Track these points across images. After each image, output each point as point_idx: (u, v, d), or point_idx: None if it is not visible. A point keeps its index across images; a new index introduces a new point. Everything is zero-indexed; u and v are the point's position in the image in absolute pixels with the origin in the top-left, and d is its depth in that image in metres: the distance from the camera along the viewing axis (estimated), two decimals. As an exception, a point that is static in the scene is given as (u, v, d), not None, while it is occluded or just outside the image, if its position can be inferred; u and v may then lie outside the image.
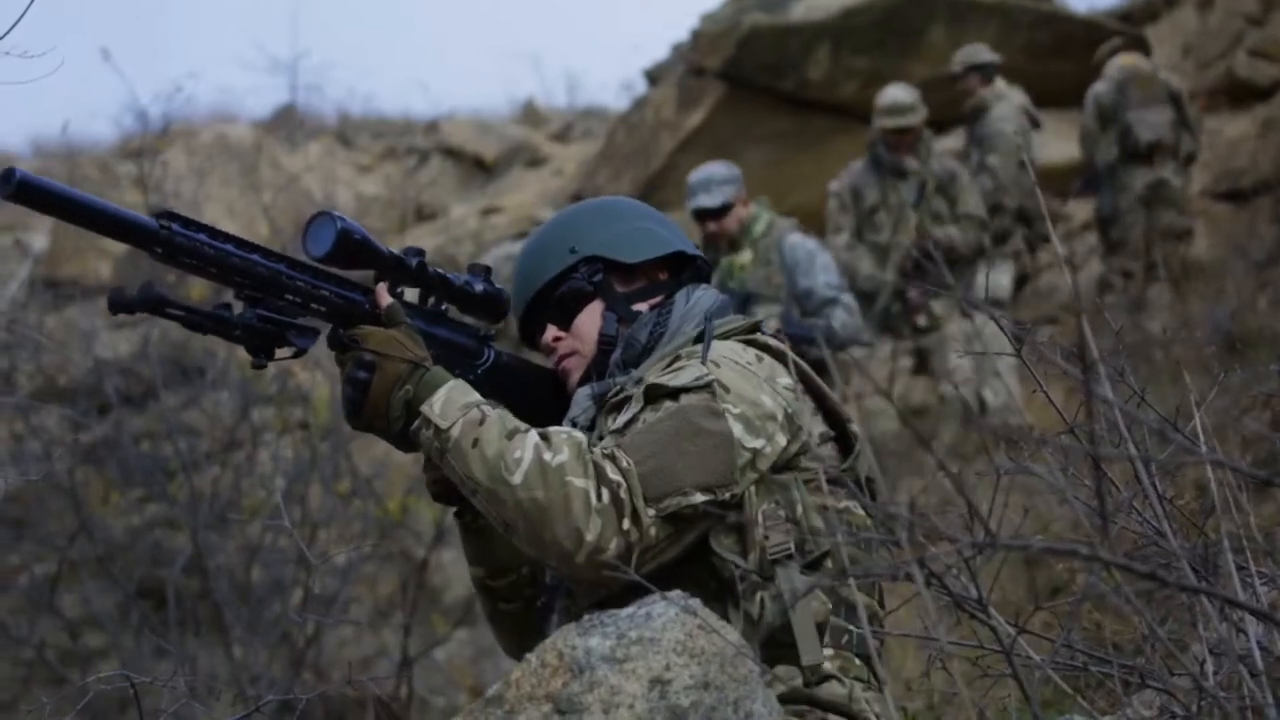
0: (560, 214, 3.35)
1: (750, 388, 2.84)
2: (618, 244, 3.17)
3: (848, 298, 8.02)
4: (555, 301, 3.17)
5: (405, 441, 2.87)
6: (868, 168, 9.49)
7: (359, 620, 9.42)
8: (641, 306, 3.16)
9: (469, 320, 3.20)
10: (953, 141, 13.10)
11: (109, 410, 9.67)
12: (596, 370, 3.12)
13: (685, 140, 14.10)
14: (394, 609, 9.82)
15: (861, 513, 2.90)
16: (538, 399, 3.18)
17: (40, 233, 14.64)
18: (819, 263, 7.93)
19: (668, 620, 2.18)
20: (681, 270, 3.24)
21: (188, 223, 2.71)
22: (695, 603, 2.22)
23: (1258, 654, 2.21)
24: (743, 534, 2.78)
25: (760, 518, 2.77)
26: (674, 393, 2.79)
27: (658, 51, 23.56)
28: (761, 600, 2.75)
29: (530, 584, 3.16)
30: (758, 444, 2.79)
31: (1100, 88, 11.01)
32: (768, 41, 13.74)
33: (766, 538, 2.77)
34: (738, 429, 2.77)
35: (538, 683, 2.15)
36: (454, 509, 3.12)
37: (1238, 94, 13.46)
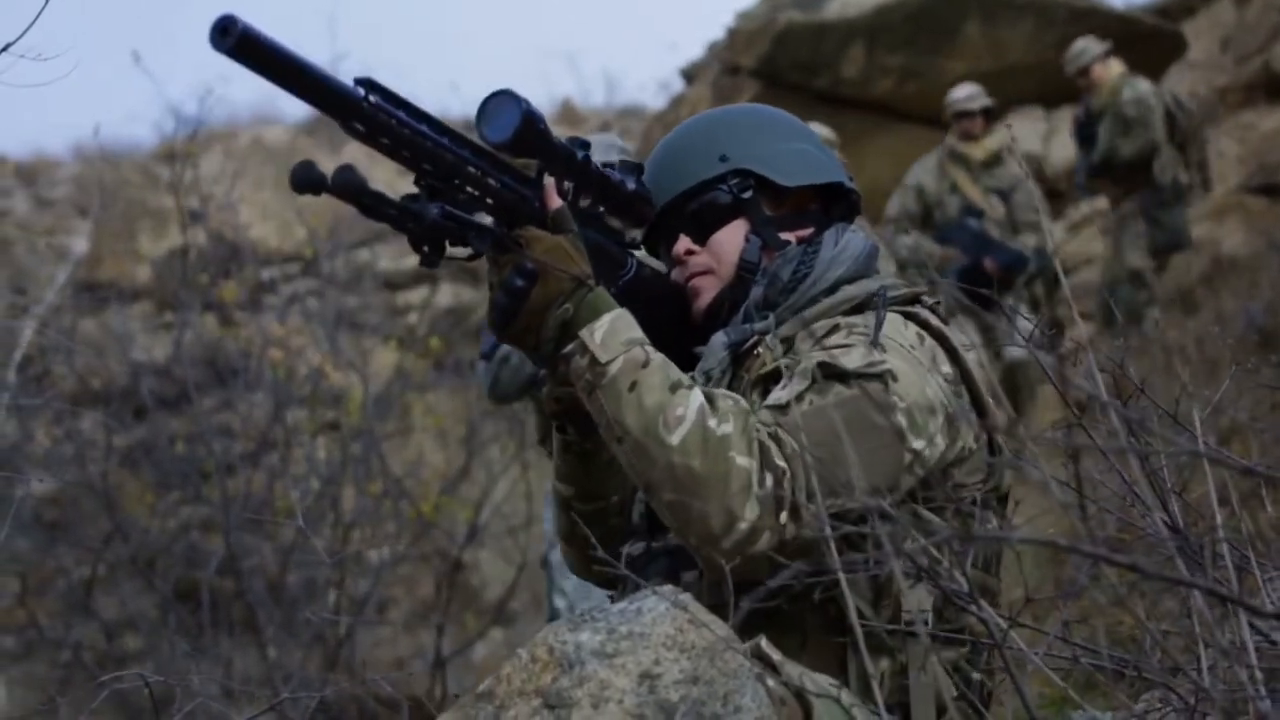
0: (712, 114, 3.03)
1: (916, 377, 2.55)
2: (775, 162, 2.85)
3: None
4: (694, 210, 2.86)
5: (549, 363, 2.61)
6: None
7: (389, 622, 9.44)
8: (788, 236, 2.84)
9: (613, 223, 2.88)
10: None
11: (145, 413, 9.73)
12: (731, 299, 2.82)
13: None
14: (432, 610, 9.83)
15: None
16: (666, 318, 2.83)
17: (79, 236, 14.72)
18: None
19: (658, 615, 2.17)
20: (831, 203, 2.92)
21: (388, 95, 2.43)
22: (686, 597, 2.20)
23: (1250, 646, 2.20)
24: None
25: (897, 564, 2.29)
26: (846, 376, 2.50)
27: (695, 50, 23.54)
28: (883, 672, 2.51)
29: (618, 513, 2.87)
30: (919, 444, 2.52)
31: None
32: (802, 39, 13.73)
33: (901, 590, 2.47)
34: (902, 424, 2.50)
35: (528, 678, 2.14)
36: (557, 425, 2.82)
37: (1275, 88, 13.37)
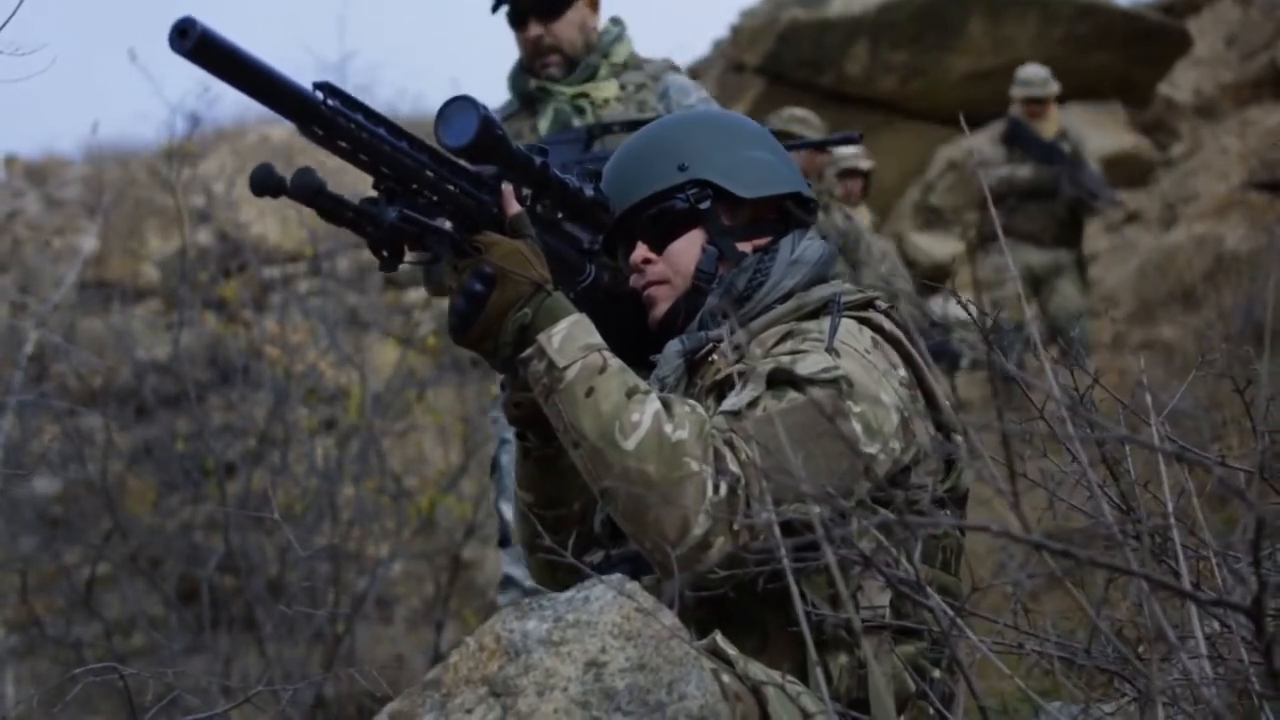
0: (671, 121, 3.05)
1: (871, 382, 2.56)
2: (734, 172, 2.86)
3: None
4: (652, 218, 2.87)
5: (509, 367, 2.62)
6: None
7: (387, 619, 9.44)
8: (745, 246, 2.86)
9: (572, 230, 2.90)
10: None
11: (146, 413, 9.75)
12: (686, 308, 2.83)
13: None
14: (437, 608, 9.84)
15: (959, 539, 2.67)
16: (626, 324, 2.85)
17: (89, 235, 14.75)
18: None
19: (605, 604, 2.18)
20: (789, 211, 2.92)
21: (346, 99, 2.45)
22: (633, 586, 2.21)
23: (1200, 635, 2.20)
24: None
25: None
26: (799, 383, 2.50)
27: (702, 49, 23.52)
28: (841, 667, 2.52)
29: (579, 521, 2.87)
30: (874, 449, 2.51)
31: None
32: (806, 36, 13.74)
33: (860, 589, 2.51)
34: (857, 429, 2.50)
35: (475, 666, 2.15)
36: (518, 432, 2.83)
37: (1279, 85, 13.37)
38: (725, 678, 2.25)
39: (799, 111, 8.36)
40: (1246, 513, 1.69)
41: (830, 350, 2.57)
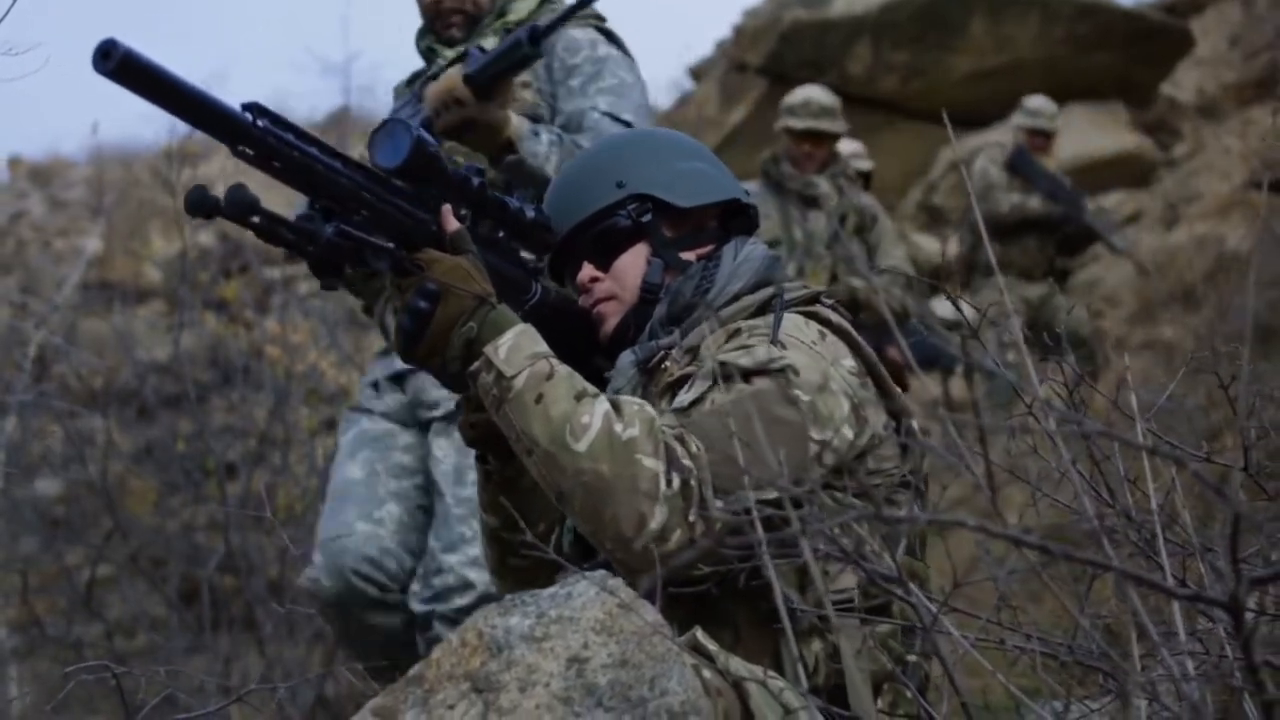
0: (608, 141, 3.14)
1: (817, 370, 2.60)
2: (671, 184, 2.91)
3: None
4: (595, 237, 2.91)
5: (459, 382, 2.64)
6: (764, 191, 7.59)
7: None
8: (689, 255, 2.91)
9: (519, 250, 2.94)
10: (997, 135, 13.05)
11: (147, 413, 9.76)
12: (635, 321, 2.88)
13: (728, 136, 14.11)
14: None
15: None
16: (576, 342, 2.90)
17: (93, 237, 14.78)
18: None
19: (588, 600, 2.18)
20: (731, 219, 2.99)
21: (276, 119, 2.46)
22: (616, 582, 2.22)
23: (1182, 630, 2.20)
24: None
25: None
26: (746, 374, 2.56)
27: (705, 49, 23.54)
28: (816, 655, 2.54)
29: (545, 542, 2.79)
30: (826, 435, 2.56)
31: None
32: (808, 36, 13.76)
33: (827, 573, 2.52)
34: (806, 416, 2.54)
35: (457, 661, 2.15)
36: (478, 454, 2.86)
37: (1282, 85, 13.37)
38: (707, 673, 2.26)
39: (815, 92, 7.96)
40: (1225, 507, 1.69)
41: (775, 343, 2.61)
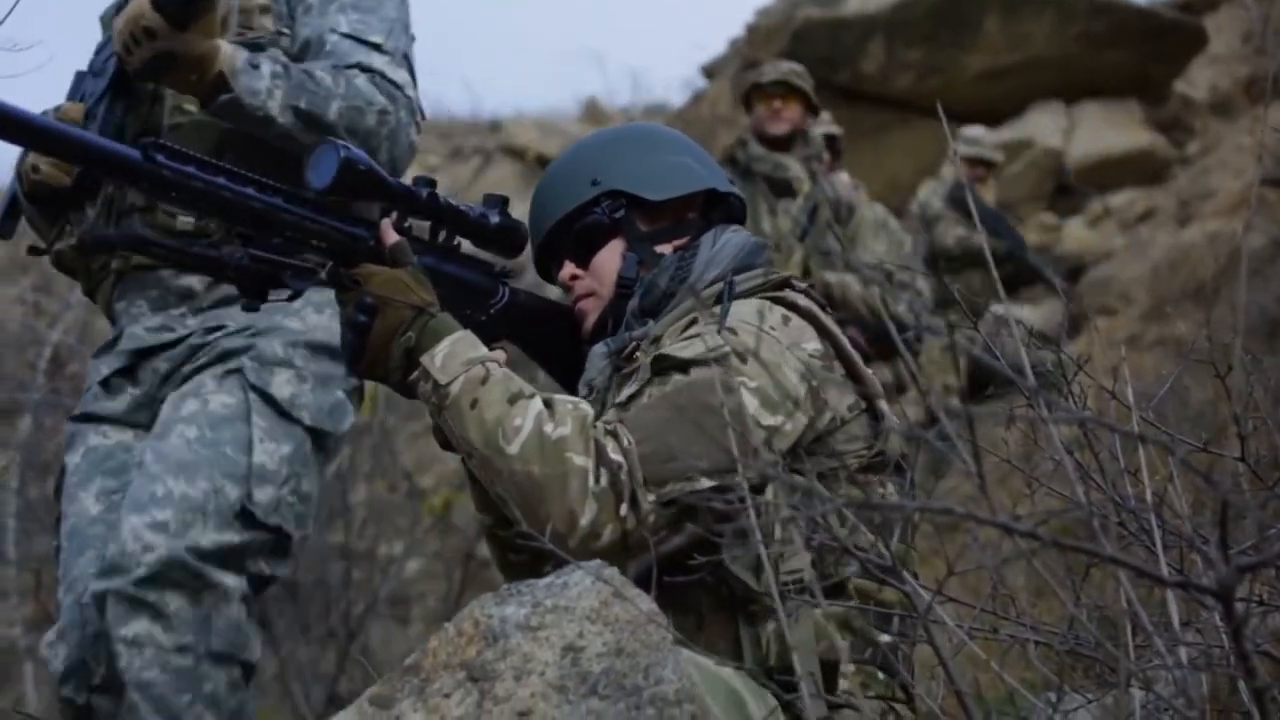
0: (586, 140, 3.14)
1: (771, 356, 2.59)
2: (644, 178, 2.94)
3: None
4: (574, 236, 2.95)
5: (407, 392, 2.68)
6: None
7: (400, 617, 9.46)
8: (665, 248, 2.94)
9: (485, 256, 2.99)
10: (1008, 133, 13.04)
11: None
12: (614, 315, 2.92)
13: (742, 135, 14.08)
14: (454, 607, 9.85)
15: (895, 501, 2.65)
16: (557, 339, 2.99)
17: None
18: None
19: (583, 589, 2.19)
20: (713, 209, 3.01)
21: (174, 153, 2.51)
22: (611, 572, 2.23)
23: (1176, 619, 2.21)
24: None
25: (777, 529, 2.45)
26: (683, 365, 2.57)
27: (718, 48, 23.56)
28: (768, 637, 2.53)
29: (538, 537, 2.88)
30: (775, 420, 2.56)
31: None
32: (821, 35, 13.74)
33: (781, 555, 2.49)
34: (753, 404, 2.54)
35: (453, 651, 2.16)
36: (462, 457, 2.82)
37: (1297, 81, 13.32)
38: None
39: (798, 67, 7.69)
40: (1215, 495, 1.69)
41: (725, 330, 2.63)
